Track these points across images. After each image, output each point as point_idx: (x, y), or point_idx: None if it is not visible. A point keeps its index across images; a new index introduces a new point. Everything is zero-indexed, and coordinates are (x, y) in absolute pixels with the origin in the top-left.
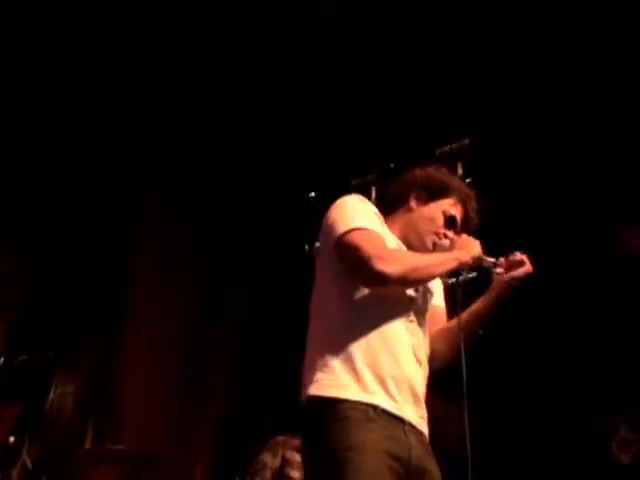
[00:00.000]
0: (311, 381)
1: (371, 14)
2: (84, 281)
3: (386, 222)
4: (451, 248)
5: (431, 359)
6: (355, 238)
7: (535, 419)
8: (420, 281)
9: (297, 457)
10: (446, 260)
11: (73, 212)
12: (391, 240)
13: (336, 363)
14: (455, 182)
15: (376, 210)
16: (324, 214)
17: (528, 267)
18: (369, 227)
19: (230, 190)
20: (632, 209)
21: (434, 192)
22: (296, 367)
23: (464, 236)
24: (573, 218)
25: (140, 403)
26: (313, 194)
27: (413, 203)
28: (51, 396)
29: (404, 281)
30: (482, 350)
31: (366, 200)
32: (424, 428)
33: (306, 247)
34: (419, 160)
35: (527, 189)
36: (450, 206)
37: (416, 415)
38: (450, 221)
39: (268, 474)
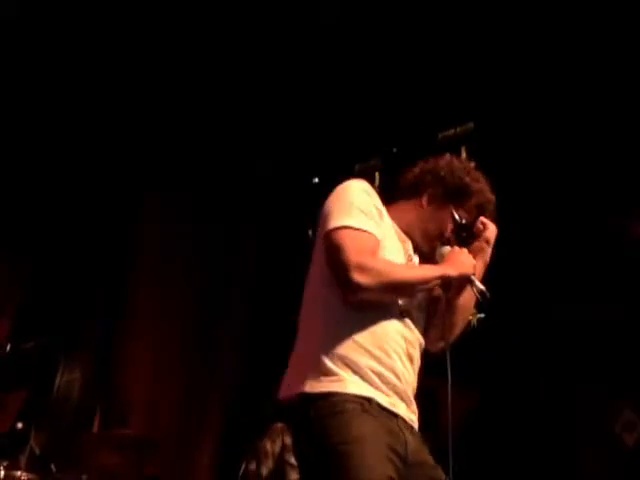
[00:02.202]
0: (302, 378)
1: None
2: (88, 266)
3: (390, 208)
4: (446, 260)
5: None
6: (341, 239)
7: (540, 402)
8: (400, 295)
9: None
10: (431, 277)
11: (78, 206)
12: (389, 238)
13: (327, 360)
14: (477, 185)
15: (377, 202)
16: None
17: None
18: (361, 226)
19: (230, 186)
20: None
21: (452, 194)
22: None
23: (462, 251)
24: (580, 202)
25: (146, 388)
26: (317, 180)
27: (425, 200)
28: (58, 382)
29: (382, 295)
30: (488, 332)
31: (369, 189)
32: (415, 424)
33: (309, 233)
34: (422, 144)
35: (532, 173)
36: (465, 211)
37: (407, 411)
38: (461, 228)
39: (270, 461)
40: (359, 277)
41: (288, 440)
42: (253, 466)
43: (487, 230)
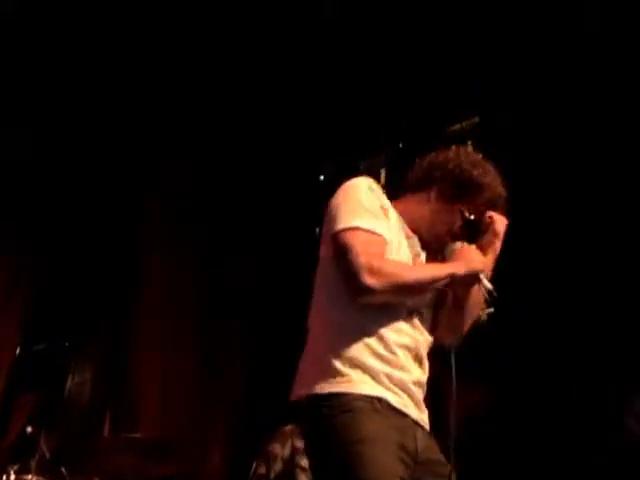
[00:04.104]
0: (312, 379)
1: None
2: (98, 268)
3: (397, 203)
4: (454, 258)
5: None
6: (351, 240)
7: (552, 395)
8: (409, 296)
9: None
10: (439, 277)
11: (87, 210)
12: (395, 235)
13: (337, 362)
14: (486, 179)
15: (383, 199)
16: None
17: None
18: (370, 227)
19: (234, 185)
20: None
21: (460, 190)
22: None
23: (471, 248)
24: (587, 198)
25: (156, 391)
26: (322, 177)
27: (433, 196)
28: (68, 385)
29: (392, 297)
30: (498, 327)
31: (375, 186)
32: (426, 424)
33: (317, 230)
34: (428, 139)
35: (538, 168)
36: (474, 206)
37: (417, 411)
38: (469, 224)
39: (279, 465)
40: (369, 279)
41: (298, 443)
42: (263, 470)
43: (496, 224)
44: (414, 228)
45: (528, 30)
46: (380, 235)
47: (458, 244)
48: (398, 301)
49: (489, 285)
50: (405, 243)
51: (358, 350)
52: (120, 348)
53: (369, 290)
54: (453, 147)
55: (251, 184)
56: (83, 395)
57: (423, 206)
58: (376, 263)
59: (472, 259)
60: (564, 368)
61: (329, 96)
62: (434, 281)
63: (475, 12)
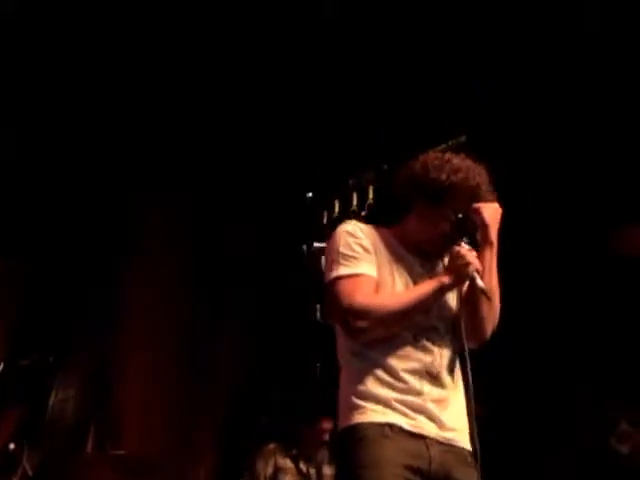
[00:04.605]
0: (340, 416)
1: (365, 17)
2: (79, 284)
3: (396, 230)
4: (447, 264)
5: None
6: (334, 290)
7: (541, 414)
8: (402, 322)
9: (289, 463)
10: (427, 294)
11: (67, 214)
12: (386, 261)
13: (353, 396)
14: (457, 176)
15: (363, 239)
16: (321, 214)
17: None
18: (350, 272)
19: (225, 190)
20: (627, 209)
21: (435, 197)
22: (295, 368)
23: (459, 251)
24: (569, 216)
25: (140, 408)
26: (310, 194)
27: (416, 212)
28: (52, 401)
29: (385, 328)
30: (485, 347)
31: (354, 229)
32: (455, 442)
33: (304, 247)
34: (415, 157)
35: (524, 186)
36: (459, 205)
37: (439, 430)
38: (460, 222)
39: None
40: (355, 322)
41: (280, 461)
42: None
43: (483, 213)
44: (416, 245)
45: (514, 49)
46: (363, 274)
47: (454, 248)
48: (396, 330)
49: (481, 283)
50: (402, 269)
51: (369, 382)
52: (104, 365)
53: (360, 331)
54: (419, 156)
55: (239, 205)
56: (67, 411)
57: (413, 224)
58: (359, 305)
59: (459, 266)
60: (556, 387)
61: (318, 116)
62: (424, 299)
63: (460, 35)
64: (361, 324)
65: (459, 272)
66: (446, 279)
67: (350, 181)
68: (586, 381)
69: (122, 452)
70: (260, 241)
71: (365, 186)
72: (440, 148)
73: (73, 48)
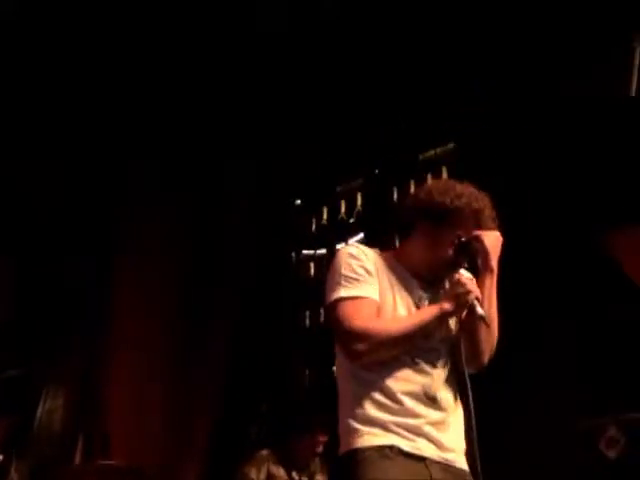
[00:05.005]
0: (341, 441)
1: (354, 26)
2: (70, 295)
3: (396, 254)
4: (448, 292)
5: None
6: (335, 313)
7: (533, 417)
8: (401, 346)
9: (281, 471)
10: (428, 320)
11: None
12: (387, 285)
13: (352, 421)
14: (461, 201)
15: (365, 261)
16: (310, 220)
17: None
18: (351, 294)
19: (213, 192)
20: (616, 212)
21: (439, 219)
22: (282, 377)
23: (459, 278)
24: (558, 221)
25: (129, 417)
26: (299, 201)
27: (419, 235)
28: (40, 412)
29: (384, 352)
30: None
31: (356, 251)
32: (455, 462)
33: (292, 254)
34: (404, 165)
35: (513, 194)
36: (462, 230)
37: (439, 450)
38: (462, 247)
39: None
40: (357, 345)
41: (273, 468)
42: None
43: (484, 240)
44: (416, 271)
45: (503, 56)
46: (365, 297)
47: (455, 276)
48: (395, 353)
49: (481, 311)
50: (404, 293)
51: (368, 407)
52: (93, 374)
53: (360, 354)
54: (425, 182)
55: (227, 212)
56: (55, 422)
57: (415, 248)
58: (360, 328)
59: (459, 291)
60: (541, 392)
61: (306, 122)
62: (424, 325)
63: (449, 42)
64: (361, 347)
65: (459, 300)
66: (447, 306)
67: (338, 188)
68: (575, 385)
69: (111, 462)
70: (248, 247)
71: (353, 193)
72: (429, 155)
73: (70, 49)
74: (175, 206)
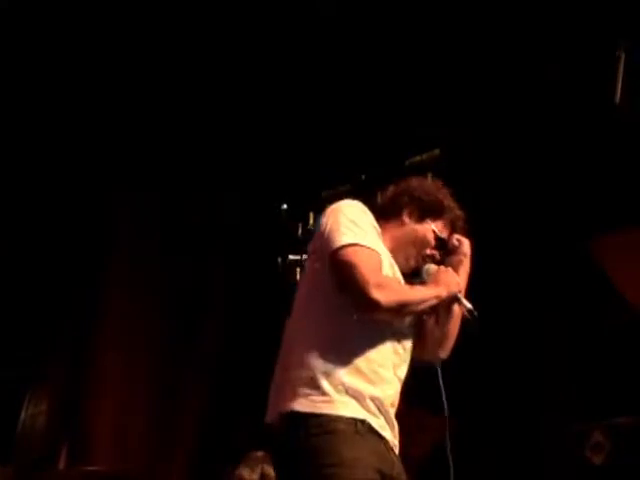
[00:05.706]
0: (293, 396)
1: (339, 33)
2: (55, 298)
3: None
4: (434, 281)
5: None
6: (352, 257)
7: (518, 427)
8: (406, 315)
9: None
10: (429, 298)
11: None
12: (385, 256)
13: (324, 382)
14: (448, 201)
15: (374, 221)
16: (297, 224)
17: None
18: (368, 244)
19: (204, 193)
20: (600, 217)
21: (427, 211)
22: (268, 379)
23: (448, 270)
24: (544, 228)
25: (113, 422)
26: (285, 206)
27: (406, 218)
28: (23, 416)
29: (394, 313)
30: (461, 358)
31: (365, 208)
32: (397, 448)
33: (278, 260)
34: (390, 171)
35: (498, 199)
36: (441, 227)
37: (392, 434)
38: (441, 244)
39: None
40: (378, 295)
41: (267, 469)
42: None
43: (463, 245)
44: (391, 253)
45: (490, 63)
46: (378, 252)
47: (433, 267)
48: (396, 319)
49: (469, 305)
50: (396, 269)
51: (346, 372)
52: (76, 379)
53: (378, 305)
54: (412, 178)
55: (214, 212)
56: (38, 426)
57: (396, 231)
58: (383, 280)
59: (450, 281)
60: (529, 399)
61: (293, 127)
62: (425, 302)
63: (440, 44)
64: (380, 298)
65: (451, 287)
66: (442, 292)
67: (324, 193)
68: (559, 393)
69: (95, 468)
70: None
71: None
72: (415, 160)
73: (60, 50)
74: (159, 207)
